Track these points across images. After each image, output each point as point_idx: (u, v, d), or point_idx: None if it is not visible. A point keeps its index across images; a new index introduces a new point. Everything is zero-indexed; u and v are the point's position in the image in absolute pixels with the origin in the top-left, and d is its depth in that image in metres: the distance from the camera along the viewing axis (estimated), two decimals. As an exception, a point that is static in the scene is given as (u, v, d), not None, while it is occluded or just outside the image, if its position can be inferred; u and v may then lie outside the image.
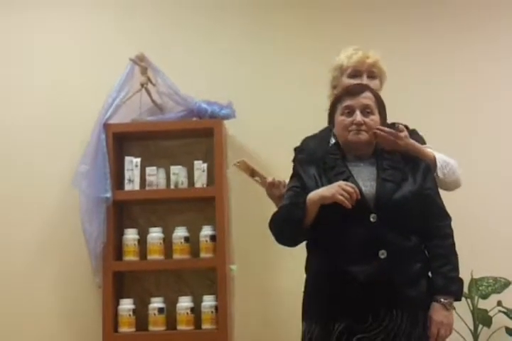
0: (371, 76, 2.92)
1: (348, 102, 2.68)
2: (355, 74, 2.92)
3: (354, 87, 2.73)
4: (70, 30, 4.04)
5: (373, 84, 2.90)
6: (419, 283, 2.59)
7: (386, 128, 2.71)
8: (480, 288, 3.54)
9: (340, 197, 2.54)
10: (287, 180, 2.81)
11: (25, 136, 3.93)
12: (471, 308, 3.51)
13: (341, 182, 2.58)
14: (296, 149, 3.05)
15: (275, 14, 3.99)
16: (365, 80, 2.89)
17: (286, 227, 2.64)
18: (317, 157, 2.78)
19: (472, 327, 3.52)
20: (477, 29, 3.96)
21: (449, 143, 3.78)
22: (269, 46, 3.99)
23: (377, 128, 2.68)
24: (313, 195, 2.61)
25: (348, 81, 2.90)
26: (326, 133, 2.98)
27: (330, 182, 2.63)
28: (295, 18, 3.99)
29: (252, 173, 2.94)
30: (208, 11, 4.01)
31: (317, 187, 2.63)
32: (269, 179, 2.89)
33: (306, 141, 3.03)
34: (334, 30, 3.97)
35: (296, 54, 3.96)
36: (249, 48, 3.97)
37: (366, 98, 2.68)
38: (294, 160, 2.99)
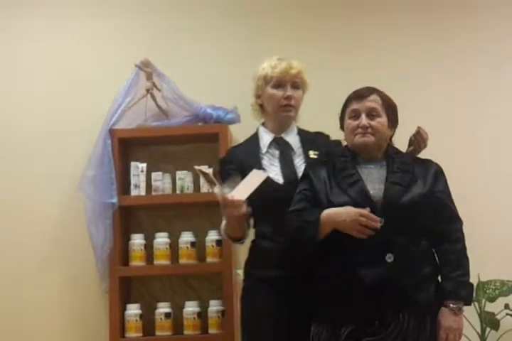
0: (294, 86, 2.96)
1: (354, 106, 2.69)
2: (279, 84, 2.95)
3: (361, 90, 2.73)
4: (74, 35, 4.05)
5: (297, 94, 2.95)
6: (427, 287, 2.59)
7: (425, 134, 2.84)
8: (487, 291, 3.53)
9: (356, 232, 2.54)
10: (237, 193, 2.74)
11: (31, 142, 3.94)
12: (479, 311, 3.50)
13: (355, 213, 2.55)
14: (221, 161, 3.06)
15: (279, 20, 4.00)
16: (289, 90, 2.93)
17: (297, 245, 2.67)
18: (247, 166, 2.83)
19: (479, 331, 3.51)
20: (478, 31, 3.96)
21: (457, 145, 3.82)
22: (274, 51, 3.98)
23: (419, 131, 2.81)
24: (328, 218, 2.58)
25: (272, 91, 2.95)
26: (252, 141, 3.01)
27: (339, 184, 2.63)
28: (298, 24, 4.00)
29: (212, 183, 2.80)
30: (213, 16, 4.02)
31: (326, 189, 2.63)
32: (229, 197, 2.69)
33: (233, 151, 3.06)
34: (338, 35, 3.98)
35: (299, 59, 3.95)
36: (254, 53, 3.96)
37: (372, 101, 2.68)
38: (219, 172, 3.00)
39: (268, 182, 2.80)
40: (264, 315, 2.79)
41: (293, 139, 2.99)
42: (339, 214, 2.55)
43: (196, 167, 2.85)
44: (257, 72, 3.02)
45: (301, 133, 3.04)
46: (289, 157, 2.93)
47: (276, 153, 2.96)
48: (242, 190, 2.72)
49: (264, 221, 2.91)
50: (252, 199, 2.75)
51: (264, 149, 2.96)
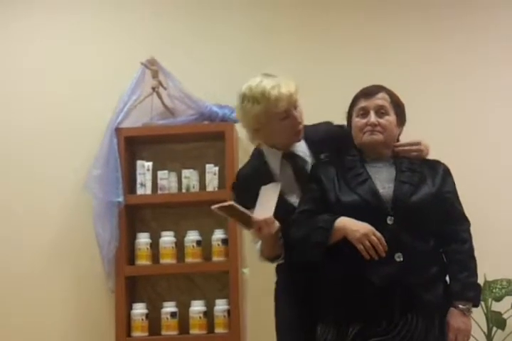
0: (295, 107, 2.72)
1: (362, 104, 2.68)
2: (286, 115, 2.69)
3: (369, 88, 2.71)
4: (79, 34, 4.05)
5: (300, 113, 2.72)
6: (435, 287, 2.58)
7: (403, 142, 2.71)
8: (494, 290, 3.53)
9: (361, 246, 2.51)
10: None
11: (37, 141, 3.95)
12: (485, 311, 3.49)
13: (370, 230, 2.53)
14: (234, 188, 2.83)
15: (286, 18, 3.99)
16: (296, 117, 2.69)
17: (304, 249, 2.62)
18: (256, 189, 2.64)
19: (486, 330, 3.50)
20: (480, 31, 3.95)
21: (460, 145, 3.81)
22: (279, 49, 3.99)
23: (395, 146, 2.68)
24: (342, 226, 2.55)
25: (280, 124, 2.68)
26: (259, 163, 2.79)
27: (347, 183, 2.62)
28: (305, 21, 3.99)
29: (237, 217, 2.64)
30: (219, 14, 4.01)
31: (335, 189, 2.62)
32: (259, 218, 2.57)
33: (244, 178, 2.81)
34: (345, 33, 3.97)
35: (306, 57, 3.96)
36: (260, 51, 3.97)
37: (381, 99, 2.67)
38: (234, 199, 2.74)
39: (290, 209, 2.67)
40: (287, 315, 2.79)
41: (301, 148, 2.80)
42: (356, 225, 2.54)
43: (213, 207, 2.61)
44: (248, 108, 2.68)
45: (306, 135, 2.82)
46: (303, 174, 2.75)
47: (290, 172, 2.76)
48: (264, 208, 2.61)
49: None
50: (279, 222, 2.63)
51: (277, 171, 2.75)
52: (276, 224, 2.60)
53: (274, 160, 2.77)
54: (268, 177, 2.72)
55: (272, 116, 2.66)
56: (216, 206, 2.58)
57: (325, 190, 2.64)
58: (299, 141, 2.76)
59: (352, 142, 2.73)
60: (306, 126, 2.80)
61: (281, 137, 2.73)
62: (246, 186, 2.76)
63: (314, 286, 2.68)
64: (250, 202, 2.65)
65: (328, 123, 2.88)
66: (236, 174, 2.89)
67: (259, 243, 2.72)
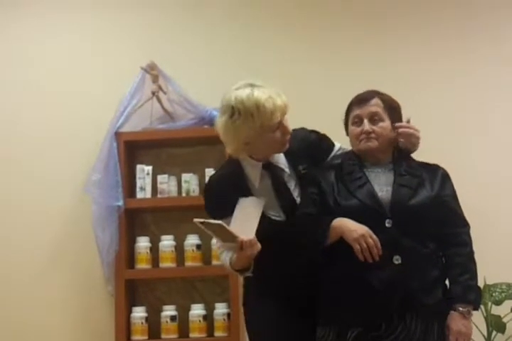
0: (284, 117, 2.62)
1: (356, 111, 2.69)
2: (278, 125, 2.60)
3: (362, 94, 2.72)
4: (80, 38, 4.05)
5: (286, 119, 2.62)
6: (434, 290, 2.58)
7: (404, 123, 2.70)
8: (493, 294, 3.53)
9: (357, 247, 2.52)
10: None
11: (37, 145, 3.95)
12: (485, 314, 3.49)
13: (367, 232, 2.53)
14: (208, 197, 2.73)
15: (287, 21, 4.00)
16: (287, 127, 2.62)
17: (302, 245, 2.62)
18: (230, 198, 2.58)
19: (486, 334, 3.50)
20: (484, 32, 3.95)
21: (462, 144, 3.82)
22: (280, 53, 3.99)
23: (397, 127, 2.67)
24: (338, 225, 2.56)
25: (272, 135, 2.59)
26: (233, 167, 2.69)
27: (347, 187, 2.63)
28: (306, 23, 4.00)
29: (220, 234, 2.54)
30: (219, 19, 4.02)
31: (334, 192, 2.63)
32: (244, 238, 2.48)
33: (219, 188, 2.69)
34: (344, 33, 3.98)
35: (306, 61, 3.97)
36: (261, 55, 3.98)
37: (374, 105, 2.68)
38: (206, 208, 2.71)
39: (271, 224, 2.61)
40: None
41: (280, 159, 2.72)
42: (354, 225, 2.55)
43: (196, 221, 2.52)
44: (239, 123, 2.55)
45: None
46: (282, 184, 2.68)
47: (269, 183, 2.67)
48: (245, 226, 2.51)
49: (276, 265, 2.65)
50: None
51: (256, 184, 2.66)
52: (259, 245, 2.51)
53: (253, 171, 2.68)
54: (244, 189, 2.64)
55: (266, 129, 2.57)
56: (200, 220, 2.49)
57: (324, 194, 2.65)
58: (285, 150, 2.68)
59: (327, 149, 2.76)
60: None
61: (270, 148, 2.65)
62: (219, 193, 2.68)
63: (305, 291, 2.68)
64: (221, 210, 2.59)
65: (303, 130, 2.80)
66: (209, 179, 2.81)
67: (230, 254, 2.64)
